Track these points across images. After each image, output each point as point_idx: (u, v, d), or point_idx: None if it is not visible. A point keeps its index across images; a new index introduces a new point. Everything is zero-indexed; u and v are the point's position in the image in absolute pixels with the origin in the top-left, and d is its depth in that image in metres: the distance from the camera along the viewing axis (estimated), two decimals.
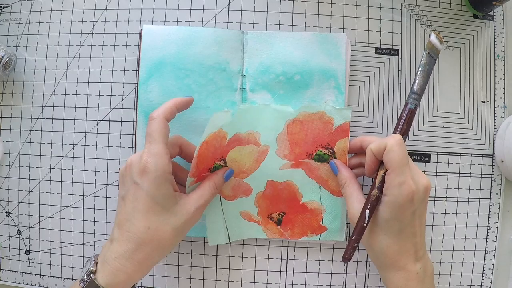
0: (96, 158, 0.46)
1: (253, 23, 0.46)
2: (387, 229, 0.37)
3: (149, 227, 0.35)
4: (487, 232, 0.47)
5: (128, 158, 0.38)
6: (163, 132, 0.36)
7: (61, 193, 0.47)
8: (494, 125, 0.47)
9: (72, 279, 0.47)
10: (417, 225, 0.37)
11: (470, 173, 0.47)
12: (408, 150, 0.45)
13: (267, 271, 0.46)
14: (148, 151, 0.36)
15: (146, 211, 0.35)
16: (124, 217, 0.36)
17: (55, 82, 0.47)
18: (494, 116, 0.47)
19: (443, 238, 0.46)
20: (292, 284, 0.46)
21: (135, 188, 0.36)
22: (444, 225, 0.46)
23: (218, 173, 0.41)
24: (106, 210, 0.46)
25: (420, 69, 0.40)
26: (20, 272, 0.48)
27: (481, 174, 0.47)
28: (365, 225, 0.37)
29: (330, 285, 0.46)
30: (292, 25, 0.46)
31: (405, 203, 0.36)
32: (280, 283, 0.46)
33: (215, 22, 0.46)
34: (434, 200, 0.46)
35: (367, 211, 0.37)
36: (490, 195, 0.47)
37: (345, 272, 0.46)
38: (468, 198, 0.46)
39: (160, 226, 0.36)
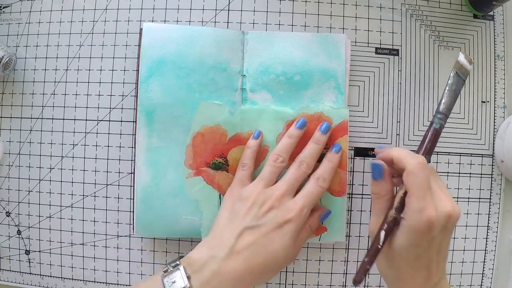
0: (96, 158, 0.46)
1: (253, 23, 0.46)
2: (405, 255, 0.35)
3: (264, 264, 0.37)
4: (487, 232, 0.47)
5: (271, 189, 0.39)
6: None
7: (61, 193, 0.47)
8: (494, 125, 0.47)
9: (72, 279, 0.47)
10: (434, 253, 0.35)
11: (470, 173, 0.47)
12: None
13: None
14: (302, 209, 0.38)
15: (271, 252, 0.37)
16: (247, 246, 0.37)
17: (55, 82, 0.47)
18: (494, 116, 0.47)
19: None
20: (292, 284, 0.46)
21: (273, 228, 0.37)
22: None
23: (314, 215, 0.42)
24: (106, 210, 0.46)
25: (447, 88, 0.38)
26: (20, 272, 0.48)
27: (481, 174, 0.47)
28: (379, 247, 0.35)
29: (330, 285, 0.46)
30: (292, 25, 0.46)
31: (424, 231, 0.33)
32: (280, 283, 0.46)
33: (215, 22, 0.46)
34: None
35: (382, 232, 0.35)
36: (490, 195, 0.47)
37: (345, 272, 0.46)
38: (468, 198, 0.46)
39: (272, 268, 0.37)
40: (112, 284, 0.47)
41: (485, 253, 0.47)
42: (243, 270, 0.36)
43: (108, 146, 0.46)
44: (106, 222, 0.46)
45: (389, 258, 0.36)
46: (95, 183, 0.46)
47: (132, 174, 0.46)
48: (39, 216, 0.47)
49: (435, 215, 0.33)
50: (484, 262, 0.47)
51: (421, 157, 0.35)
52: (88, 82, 0.47)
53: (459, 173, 0.47)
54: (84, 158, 0.47)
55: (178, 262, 0.36)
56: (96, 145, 0.46)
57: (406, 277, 0.35)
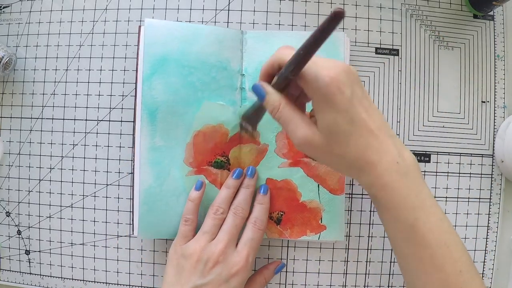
0: (96, 158, 0.46)
1: (253, 23, 0.46)
2: (339, 129, 0.32)
3: None
4: (487, 232, 0.47)
5: (213, 244, 0.39)
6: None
7: (61, 193, 0.47)
8: (494, 125, 0.47)
9: (72, 279, 0.47)
10: (363, 112, 0.32)
11: (470, 173, 0.47)
12: None
13: None
14: (247, 259, 0.39)
15: None
16: None
17: (55, 82, 0.47)
18: (494, 116, 0.47)
19: None
20: (292, 284, 0.46)
21: (220, 284, 0.38)
22: None
23: (268, 268, 0.44)
24: (106, 210, 0.46)
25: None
26: (20, 272, 0.48)
27: (481, 174, 0.47)
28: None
29: (330, 285, 0.46)
30: (292, 25, 0.46)
31: (333, 91, 0.30)
32: (280, 283, 0.46)
33: (215, 22, 0.46)
34: None
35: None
36: (490, 195, 0.47)
37: (345, 272, 0.46)
38: (468, 198, 0.46)
39: None
40: (112, 284, 0.47)
41: (485, 253, 0.46)
42: None
43: (108, 146, 0.46)
44: (106, 222, 0.46)
45: (331, 146, 0.32)
46: (95, 183, 0.46)
47: (132, 174, 0.46)
48: (39, 216, 0.47)
49: (333, 72, 0.30)
50: (484, 262, 0.47)
51: (283, 47, 0.34)
52: (88, 82, 0.47)
53: (459, 173, 0.47)
54: (84, 158, 0.47)
55: None
56: (96, 145, 0.46)
57: (361, 148, 0.32)
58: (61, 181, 0.47)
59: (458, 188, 0.46)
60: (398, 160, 0.32)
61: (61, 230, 0.47)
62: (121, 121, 0.46)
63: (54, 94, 0.47)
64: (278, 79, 0.34)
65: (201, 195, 0.42)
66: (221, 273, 0.38)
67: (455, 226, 0.46)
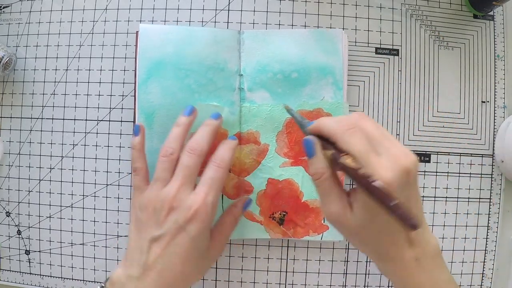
0: (96, 158, 0.46)
1: (253, 23, 0.46)
2: (373, 226, 0.32)
3: (183, 272, 0.35)
4: (487, 232, 0.47)
5: (165, 190, 0.36)
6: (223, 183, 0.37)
7: (61, 193, 0.47)
8: (494, 125, 0.47)
9: (72, 279, 0.47)
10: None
11: (470, 173, 0.47)
12: None
13: (267, 271, 0.46)
14: (205, 199, 0.35)
15: (185, 258, 0.35)
16: (157, 259, 0.35)
17: (55, 82, 0.47)
18: (494, 116, 0.47)
19: (443, 238, 0.46)
20: (292, 284, 0.46)
21: (178, 232, 0.35)
22: (444, 225, 0.46)
23: (237, 206, 0.42)
24: (106, 210, 0.46)
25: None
26: (20, 272, 0.48)
27: (481, 174, 0.47)
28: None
29: (330, 285, 0.46)
30: (292, 25, 0.46)
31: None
32: (280, 283, 0.46)
33: (215, 22, 0.46)
34: (434, 200, 0.46)
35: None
36: (490, 195, 0.47)
37: (345, 272, 0.46)
38: (468, 198, 0.46)
39: (192, 272, 0.36)
40: None
41: (485, 253, 0.47)
42: (160, 285, 0.34)
43: (108, 146, 0.46)
44: (106, 222, 0.46)
45: (359, 232, 0.33)
46: (95, 183, 0.46)
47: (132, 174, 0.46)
48: (39, 216, 0.47)
49: (390, 175, 0.28)
50: (484, 262, 0.47)
51: (346, 118, 0.32)
52: (88, 82, 0.47)
53: (459, 173, 0.47)
54: (84, 158, 0.47)
55: (103, 285, 0.36)
56: (96, 145, 0.46)
57: (387, 244, 0.33)
58: (61, 181, 0.47)
59: (458, 188, 0.46)
60: (418, 257, 0.32)
61: (61, 230, 0.47)
62: (121, 121, 0.46)
63: (54, 94, 0.47)
64: (333, 158, 0.32)
65: (141, 140, 0.39)
66: (177, 220, 0.34)
67: (455, 226, 0.46)
